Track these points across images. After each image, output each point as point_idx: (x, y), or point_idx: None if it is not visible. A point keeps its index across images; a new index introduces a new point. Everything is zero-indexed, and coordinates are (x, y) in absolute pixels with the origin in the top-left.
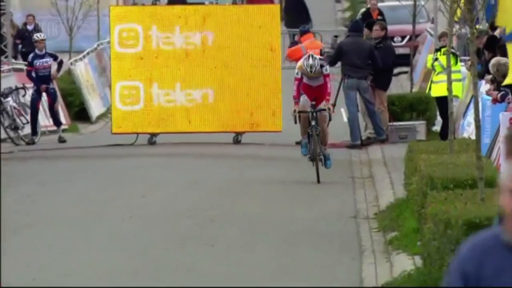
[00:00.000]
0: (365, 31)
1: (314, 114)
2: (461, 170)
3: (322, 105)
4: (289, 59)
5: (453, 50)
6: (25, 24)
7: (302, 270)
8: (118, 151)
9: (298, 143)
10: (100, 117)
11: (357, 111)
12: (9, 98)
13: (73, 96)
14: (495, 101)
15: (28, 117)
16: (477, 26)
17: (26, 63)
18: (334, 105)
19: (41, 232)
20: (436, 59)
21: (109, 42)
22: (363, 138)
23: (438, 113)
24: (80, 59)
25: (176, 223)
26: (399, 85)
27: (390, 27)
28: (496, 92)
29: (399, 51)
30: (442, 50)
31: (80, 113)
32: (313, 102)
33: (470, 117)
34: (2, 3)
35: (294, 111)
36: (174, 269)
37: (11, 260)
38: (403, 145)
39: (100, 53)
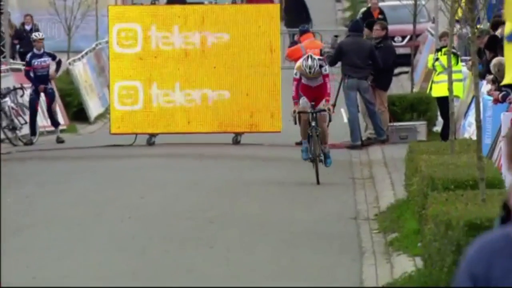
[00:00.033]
0: (366, 31)
1: (314, 114)
2: (462, 170)
3: (322, 105)
4: (288, 59)
5: (454, 50)
6: (23, 24)
7: (302, 271)
8: (117, 151)
9: (298, 143)
10: (99, 117)
11: (357, 112)
12: (7, 99)
13: (71, 96)
14: (496, 101)
15: (26, 118)
16: (478, 26)
17: (24, 63)
18: (334, 105)
19: (40, 233)
20: (437, 59)
21: (107, 42)
22: (364, 138)
23: (439, 113)
24: (79, 59)
25: (175, 224)
26: (399, 85)
27: (390, 27)
28: (497, 92)
29: (400, 51)
30: (443, 50)
31: (79, 114)
32: (313, 103)
33: (471, 117)
34: (0, 3)
35: (294, 111)
36: (174, 270)
37: (11, 260)
38: (404, 146)
39: (98, 53)
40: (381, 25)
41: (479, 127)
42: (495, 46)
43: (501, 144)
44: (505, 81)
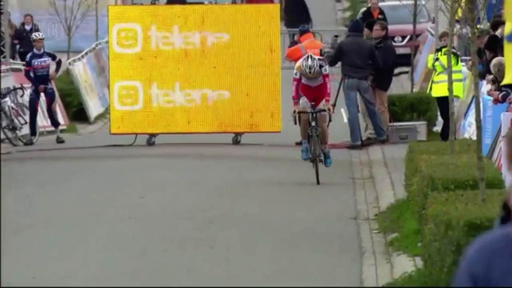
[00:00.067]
0: (366, 30)
1: (314, 114)
2: (462, 170)
3: (322, 105)
4: (288, 59)
5: (454, 50)
6: (23, 24)
7: (302, 271)
8: (116, 151)
9: (298, 143)
10: (99, 117)
11: (358, 112)
12: (7, 99)
13: (71, 96)
14: (496, 101)
15: (26, 118)
16: (478, 26)
17: (24, 63)
18: (334, 105)
19: (40, 233)
20: (437, 59)
21: (107, 42)
22: (364, 138)
23: (439, 113)
24: (79, 59)
25: (175, 224)
26: (399, 85)
27: (390, 27)
28: (497, 92)
29: (400, 51)
30: (443, 50)
31: (79, 114)
32: (313, 103)
33: (471, 117)
34: (0, 3)
35: (294, 111)
36: (173, 270)
37: (11, 260)
38: (404, 146)
39: (98, 53)
40: (381, 25)
41: (479, 127)
42: (495, 46)
43: (501, 144)
44: (505, 81)
